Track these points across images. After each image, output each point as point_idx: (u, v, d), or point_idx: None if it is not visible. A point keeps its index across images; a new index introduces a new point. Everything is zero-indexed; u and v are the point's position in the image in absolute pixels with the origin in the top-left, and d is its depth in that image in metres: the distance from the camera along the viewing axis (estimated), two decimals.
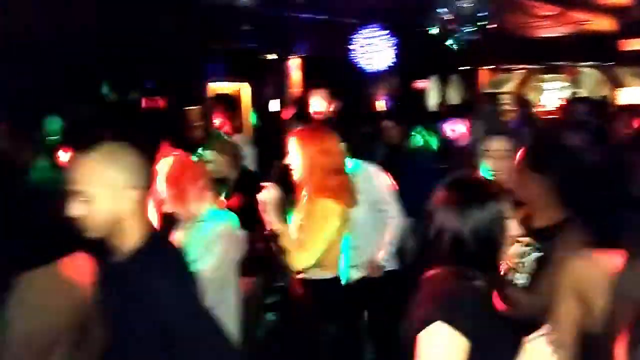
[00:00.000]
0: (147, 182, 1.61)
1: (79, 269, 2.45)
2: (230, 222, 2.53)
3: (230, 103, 5.02)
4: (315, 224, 2.49)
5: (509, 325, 1.50)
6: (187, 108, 7.21)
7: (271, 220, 2.47)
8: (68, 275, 2.52)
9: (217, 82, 8.35)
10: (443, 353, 1.35)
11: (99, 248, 1.63)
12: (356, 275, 3.08)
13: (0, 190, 2.93)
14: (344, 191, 2.58)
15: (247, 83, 8.54)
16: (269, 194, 2.46)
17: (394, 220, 3.27)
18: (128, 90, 7.07)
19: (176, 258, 1.63)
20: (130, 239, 1.56)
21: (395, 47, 7.06)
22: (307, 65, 8.06)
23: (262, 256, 2.99)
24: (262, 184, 2.54)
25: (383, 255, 3.24)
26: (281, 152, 4.57)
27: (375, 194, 3.23)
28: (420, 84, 9.27)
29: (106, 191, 1.50)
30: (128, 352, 1.56)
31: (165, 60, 7.11)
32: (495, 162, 2.68)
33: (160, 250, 1.60)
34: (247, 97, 8.93)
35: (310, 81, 6.64)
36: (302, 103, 4.73)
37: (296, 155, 2.58)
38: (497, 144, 2.72)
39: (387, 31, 7.05)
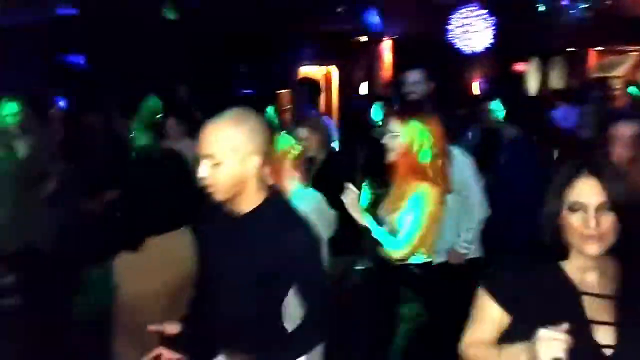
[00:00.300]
0: (269, 149, 1.67)
1: (185, 241, 2.65)
2: (320, 200, 2.50)
3: (314, 86, 4.98)
4: (409, 208, 2.40)
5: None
6: (277, 91, 7.28)
7: (357, 218, 2.41)
8: (176, 247, 2.75)
9: (306, 66, 8.37)
10: (476, 313, 1.47)
11: (217, 211, 1.70)
12: (436, 261, 2.92)
13: (123, 167, 3.11)
14: (441, 175, 2.46)
15: (336, 66, 8.48)
16: (350, 194, 2.40)
17: (477, 207, 3.05)
18: (220, 73, 7.24)
19: (296, 211, 1.71)
20: (251, 201, 1.65)
21: (493, 27, 6.67)
22: (399, 46, 7.84)
23: (349, 237, 2.92)
24: (346, 184, 2.47)
25: (463, 242, 3.03)
26: (369, 134, 4.53)
27: (459, 178, 3.04)
28: (520, 66, 8.74)
29: (233, 155, 1.56)
30: (244, 299, 1.66)
31: (256, 44, 7.21)
32: (620, 150, 2.52)
33: (280, 205, 1.70)
34: (337, 79, 8.87)
35: (403, 63, 6.44)
36: (395, 85, 4.60)
37: (394, 137, 2.48)
38: (624, 130, 2.58)
39: (486, 10, 6.67)
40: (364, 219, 2.43)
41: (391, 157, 2.52)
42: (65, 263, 3.59)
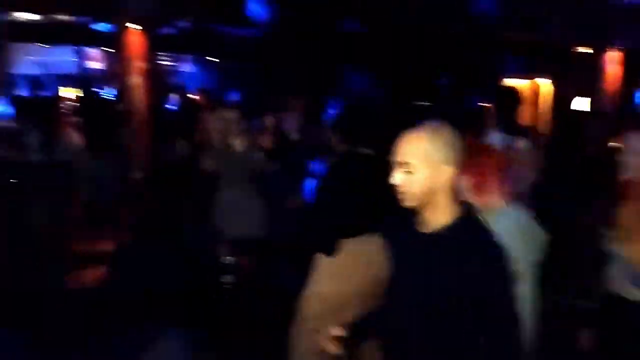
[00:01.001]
0: (461, 161, 1.68)
1: (378, 247, 2.60)
2: (529, 221, 2.25)
3: (512, 98, 4.61)
4: None
5: None
6: (480, 104, 6.97)
7: None
8: (369, 252, 2.74)
9: (513, 78, 7.91)
10: None
11: (408, 220, 1.73)
12: None
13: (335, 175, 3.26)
14: None
15: (549, 78, 7.85)
16: None
17: None
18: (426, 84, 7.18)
19: (489, 236, 1.66)
20: (442, 213, 1.66)
21: None
22: (629, 59, 6.88)
23: (566, 265, 2.60)
24: None
25: None
26: (584, 151, 4.06)
27: None
28: None
29: (425, 165, 1.62)
30: (427, 319, 1.64)
31: (460, 55, 7.00)
32: None
33: (474, 225, 1.67)
34: (546, 93, 8.23)
35: (633, 77, 5.67)
36: (625, 100, 4.05)
37: (636, 154, 2.17)
38: None
39: None
40: None
41: (631, 176, 2.21)
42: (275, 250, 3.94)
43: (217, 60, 9.22)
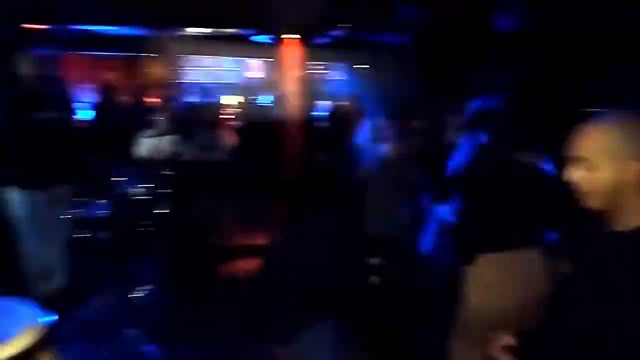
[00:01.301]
0: None
1: (539, 261, 2.58)
2: None
3: None
4: None
5: None
6: None
7: None
8: (529, 266, 2.65)
9: None
10: None
11: (587, 223, 1.57)
12: None
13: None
14: None
15: None
16: None
17: None
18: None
19: None
20: (631, 215, 1.46)
21: None
22: None
23: None
24: None
25: None
26: None
27: None
28: None
29: (609, 160, 1.44)
30: (604, 338, 1.41)
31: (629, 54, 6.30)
32: None
33: None
34: None
35: None
36: None
37: None
38: None
39: None
40: None
41: None
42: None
43: (368, 66, 9.35)
